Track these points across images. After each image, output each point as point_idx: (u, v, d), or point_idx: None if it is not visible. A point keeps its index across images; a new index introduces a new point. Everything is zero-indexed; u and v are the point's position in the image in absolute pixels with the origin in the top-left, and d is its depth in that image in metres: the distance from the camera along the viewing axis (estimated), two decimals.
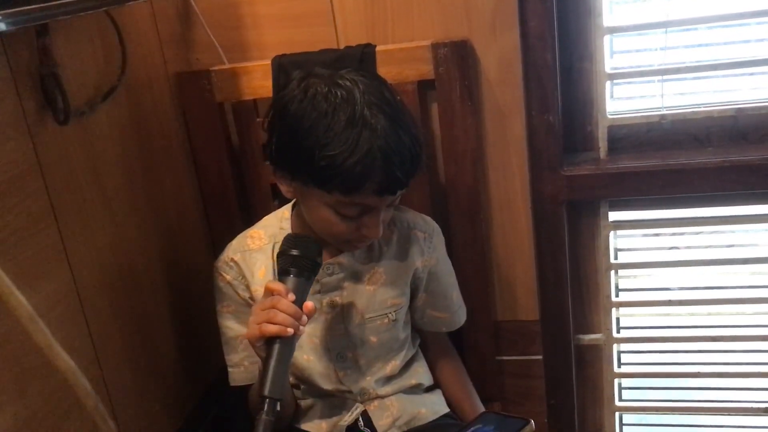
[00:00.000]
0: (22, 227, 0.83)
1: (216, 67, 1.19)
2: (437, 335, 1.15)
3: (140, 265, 1.08)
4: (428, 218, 1.10)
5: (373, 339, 1.05)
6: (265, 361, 0.83)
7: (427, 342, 1.15)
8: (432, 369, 1.14)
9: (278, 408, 0.80)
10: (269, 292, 0.85)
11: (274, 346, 0.83)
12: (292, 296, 0.85)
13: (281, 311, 0.83)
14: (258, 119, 1.18)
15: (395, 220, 1.06)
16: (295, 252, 0.88)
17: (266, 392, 0.80)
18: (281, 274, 0.88)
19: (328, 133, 0.86)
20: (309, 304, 0.86)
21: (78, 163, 0.94)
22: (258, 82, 1.16)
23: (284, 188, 0.96)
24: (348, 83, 0.89)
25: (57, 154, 0.89)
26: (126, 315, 1.04)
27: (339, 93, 0.88)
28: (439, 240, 1.10)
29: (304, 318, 0.85)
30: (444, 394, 1.14)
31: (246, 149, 1.21)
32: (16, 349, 0.81)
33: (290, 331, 0.82)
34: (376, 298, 1.03)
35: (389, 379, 1.07)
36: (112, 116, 1.02)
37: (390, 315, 1.05)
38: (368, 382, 1.06)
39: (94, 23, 0.97)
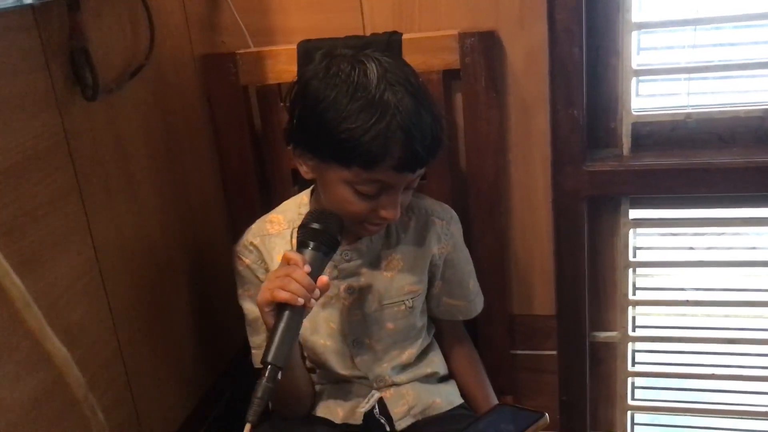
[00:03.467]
0: (48, 201, 0.83)
1: (241, 50, 1.19)
2: (453, 324, 1.15)
3: (160, 244, 1.09)
4: (446, 206, 1.10)
5: (390, 325, 1.05)
6: (273, 328, 0.84)
7: (442, 331, 1.15)
8: (447, 358, 1.14)
9: (279, 376, 0.80)
10: (286, 261, 0.86)
11: (284, 313, 0.83)
12: (308, 268, 0.85)
13: (295, 280, 0.83)
14: (281, 104, 1.18)
15: (413, 207, 1.06)
16: (316, 225, 0.89)
17: (269, 358, 0.80)
18: (300, 246, 0.89)
19: (349, 108, 0.87)
20: (323, 278, 0.87)
21: (104, 140, 0.94)
22: (283, 66, 1.16)
23: (303, 169, 0.96)
24: (371, 62, 0.89)
25: (84, 130, 0.90)
26: (145, 293, 1.04)
27: (361, 70, 0.88)
28: (457, 227, 1.10)
29: (317, 291, 0.86)
30: (458, 384, 1.14)
31: (268, 133, 1.21)
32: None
33: (301, 301, 0.83)
34: (394, 284, 1.04)
35: (405, 367, 1.08)
36: (138, 95, 1.02)
37: (407, 302, 1.05)
38: (384, 368, 1.06)
39: (124, 0, 0.97)
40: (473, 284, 1.13)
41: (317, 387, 1.09)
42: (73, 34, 0.84)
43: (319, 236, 0.88)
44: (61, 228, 0.86)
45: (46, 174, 0.83)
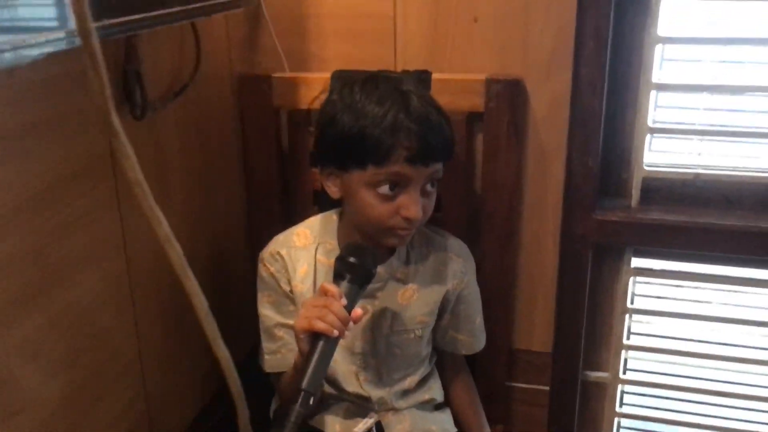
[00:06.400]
0: (89, 212, 0.88)
1: (278, 74, 1.23)
2: (455, 356, 1.19)
3: (187, 255, 1.13)
4: (464, 244, 1.15)
5: (398, 351, 1.09)
6: (308, 356, 0.87)
7: (444, 361, 1.20)
8: (445, 386, 1.19)
9: (311, 402, 0.84)
10: (323, 292, 0.90)
11: (319, 342, 0.87)
12: (344, 301, 0.89)
13: (332, 312, 0.87)
14: (310, 128, 1.23)
15: (433, 242, 1.11)
16: (353, 260, 0.92)
17: (304, 385, 0.84)
18: (336, 277, 0.93)
19: (362, 110, 0.94)
20: (358, 311, 0.91)
21: (145, 157, 0.98)
22: (315, 93, 1.21)
23: (331, 188, 1.01)
24: (384, 76, 0.98)
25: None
26: (168, 301, 1.08)
27: (375, 83, 0.97)
28: (471, 266, 1.15)
29: (351, 324, 0.90)
30: (453, 412, 1.18)
31: (295, 155, 1.26)
32: (72, 323, 0.86)
33: (336, 333, 0.87)
34: (407, 312, 1.08)
35: (406, 392, 1.12)
36: (178, 113, 1.07)
37: (417, 331, 1.09)
38: (387, 392, 1.11)
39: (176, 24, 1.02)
40: (479, 321, 1.18)
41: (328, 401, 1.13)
42: (128, 56, 0.89)
43: (356, 270, 0.92)
44: (99, 238, 0.90)
45: (91, 186, 0.88)
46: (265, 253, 1.09)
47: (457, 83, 1.18)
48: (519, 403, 1.37)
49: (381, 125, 0.92)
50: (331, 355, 0.89)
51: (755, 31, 1.16)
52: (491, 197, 1.23)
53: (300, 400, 0.83)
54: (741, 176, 1.22)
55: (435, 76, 1.18)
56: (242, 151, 1.27)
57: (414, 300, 1.08)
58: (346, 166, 0.97)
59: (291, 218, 1.25)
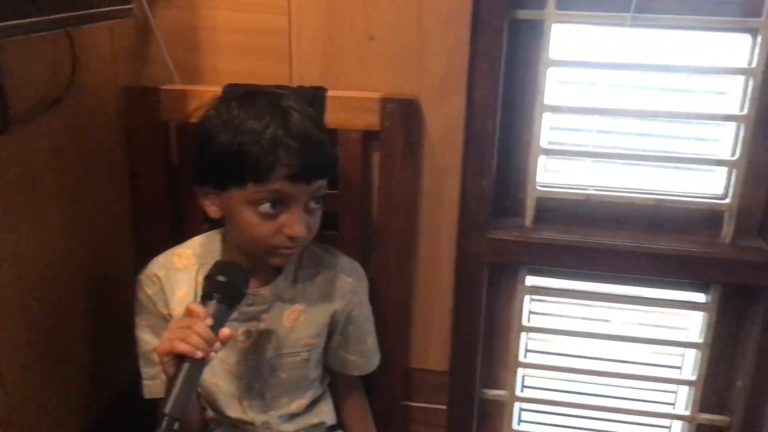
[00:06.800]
0: None
1: (166, 86, 1.19)
2: (347, 376, 1.18)
3: (61, 273, 1.08)
4: (356, 263, 1.13)
5: (283, 375, 1.07)
6: (172, 379, 0.84)
7: (336, 381, 1.18)
8: (338, 408, 1.17)
9: (176, 427, 0.81)
10: (188, 313, 0.87)
11: (183, 365, 0.84)
12: (209, 321, 0.86)
13: (196, 333, 0.84)
14: None
15: (322, 262, 1.09)
16: (222, 278, 0.89)
17: (167, 410, 0.81)
18: (205, 297, 0.90)
19: (240, 127, 0.91)
20: (225, 331, 0.88)
21: (9, 173, 0.93)
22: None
23: (210, 208, 0.98)
24: (263, 91, 0.96)
25: None
26: (38, 318, 1.03)
27: (252, 98, 0.94)
28: (363, 286, 1.13)
29: (218, 344, 0.86)
30: None
31: (184, 170, 1.22)
32: None
33: (200, 354, 0.84)
34: (293, 335, 1.06)
35: (293, 416, 1.10)
36: (53, 126, 1.01)
37: (303, 353, 1.07)
38: (272, 416, 1.08)
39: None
40: (371, 342, 1.16)
41: (209, 425, 1.09)
42: None
43: (224, 289, 0.89)
44: None
45: None
46: (143, 275, 1.05)
47: (353, 101, 1.17)
48: (416, 423, 1.36)
49: (260, 142, 0.90)
50: (197, 377, 0.86)
51: (643, 57, 1.19)
52: (387, 216, 1.22)
53: (163, 425, 0.80)
54: (630, 197, 1.25)
55: (330, 93, 1.17)
56: (129, 166, 1.22)
57: (300, 322, 1.06)
58: (225, 184, 0.94)
59: (181, 237, 1.19)
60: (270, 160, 0.90)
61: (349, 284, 1.10)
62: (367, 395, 1.24)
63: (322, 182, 0.96)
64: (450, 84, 1.18)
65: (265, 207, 0.93)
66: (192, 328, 0.84)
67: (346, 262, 1.11)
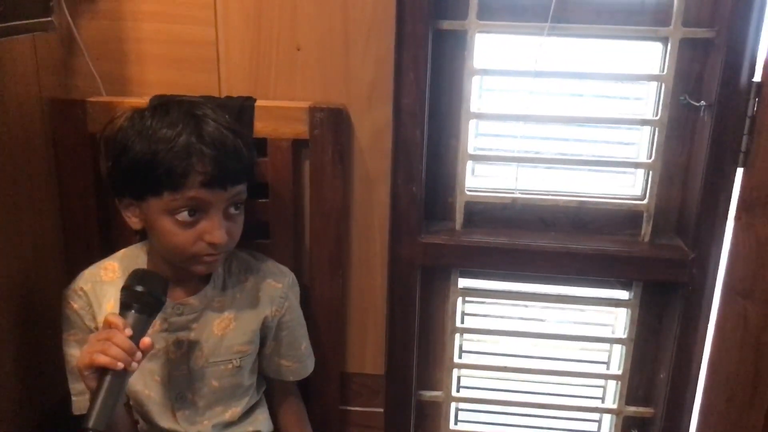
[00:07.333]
0: None
1: (93, 98, 1.19)
2: (283, 381, 1.19)
3: None
4: (285, 269, 1.14)
5: (215, 383, 1.07)
6: (95, 393, 0.84)
7: (273, 387, 1.19)
8: (275, 414, 1.18)
9: None
10: (107, 325, 0.87)
11: (105, 378, 0.84)
12: (129, 331, 0.87)
13: (115, 344, 0.84)
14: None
15: (251, 268, 1.10)
16: (139, 288, 0.90)
17: (90, 424, 0.81)
18: (123, 308, 0.90)
19: (153, 136, 0.92)
20: (146, 340, 0.88)
21: None
22: None
23: (131, 218, 0.99)
24: (178, 100, 0.97)
25: None
26: None
27: (166, 108, 0.95)
28: (293, 291, 1.14)
29: (138, 354, 0.87)
30: None
31: None
32: None
33: (121, 365, 0.84)
34: (224, 343, 1.06)
35: (227, 425, 1.10)
36: None
37: (235, 361, 1.08)
38: (205, 426, 1.08)
39: None
40: (305, 347, 1.18)
41: None
42: None
43: (143, 298, 0.90)
44: None
45: None
46: (69, 290, 1.05)
47: (281, 110, 1.18)
48: (354, 426, 1.38)
49: (173, 150, 0.91)
50: (121, 389, 0.86)
51: (562, 65, 1.24)
52: (319, 223, 1.24)
53: None
54: (554, 199, 1.29)
55: (259, 103, 1.18)
56: (56, 179, 1.21)
57: (231, 329, 1.07)
58: (142, 194, 0.95)
59: (111, 249, 1.19)
60: (184, 167, 0.91)
61: (279, 290, 1.11)
62: (304, 401, 1.26)
63: (239, 187, 0.97)
64: (377, 93, 1.20)
65: (183, 215, 0.94)
66: (111, 339, 0.85)
67: (275, 267, 1.13)
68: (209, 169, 0.92)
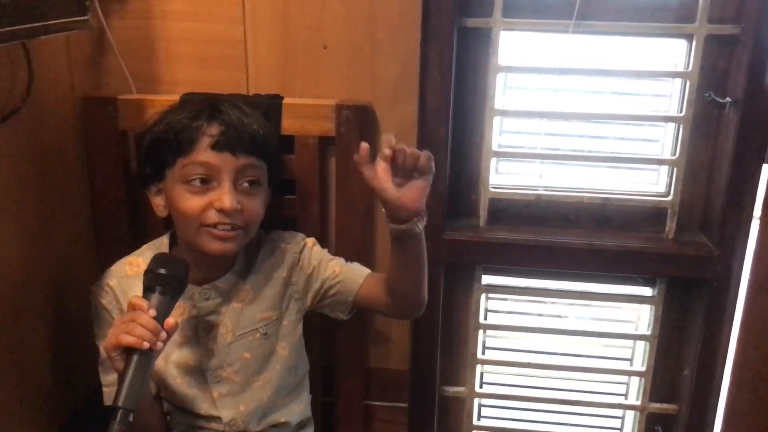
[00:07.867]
0: None
1: (124, 96, 1.21)
2: (366, 281, 1.14)
3: (21, 284, 1.08)
4: (294, 232, 1.17)
5: (247, 355, 1.09)
6: (122, 373, 0.86)
7: (368, 287, 1.14)
8: (384, 288, 1.12)
9: (130, 419, 0.83)
10: (131, 308, 0.89)
11: (132, 358, 0.86)
12: (153, 312, 0.88)
13: (140, 324, 0.86)
14: None
15: (263, 240, 1.13)
16: (162, 271, 0.92)
17: (120, 402, 0.83)
18: (146, 290, 0.92)
19: (172, 115, 1.00)
20: (170, 320, 0.90)
21: None
22: None
23: (159, 205, 1.04)
24: (206, 96, 1.06)
25: None
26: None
27: (192, 99, 1.04)
28: (306, 245, 1.14)
29: (163, 334, 0.88)
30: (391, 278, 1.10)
31: None
32: None
33: (146, 344, 0.86)
34: (245, 314, 1.09)
35: (260, 413, 1.11)
36: (9, 138, 1.02)
37: (261, 329, 1.10)
38: (240, 412, 1.09)
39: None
40: (343, 261, 1.16)
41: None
42: None
43: (165, 280, 0.92)
44: None
45: None
46: (96, 286, 1.07)
47: (308, 108, 1.20)
48: (378, 421, 1.39)
49: (186, 118, 0.98)
50: (148, 368, 0.88)
51: (586, 62, 1.24)
52: (345, 219, 1.25)
53: (118, 417, 0.82)
54: (579, 196, 1.30)
55: (286, 101, 1.20)
56: (88, 176, 1.23)
57: (250, 299, 1.09)
58: (162, 170, 1.00)
59: (141, 243, 1.21)
60: (193, 129, 0.97)
61: (289, 249, 1.13)
62: (329, 395, 1.27)
63: (251, 159, 1.00)
64: (403, 90, 1.21)
65: (195, 183, 0.98)
66: (136, 320, 0.87)
67: (285, 234, 1.16)
68: (216, 133, 0.97)
